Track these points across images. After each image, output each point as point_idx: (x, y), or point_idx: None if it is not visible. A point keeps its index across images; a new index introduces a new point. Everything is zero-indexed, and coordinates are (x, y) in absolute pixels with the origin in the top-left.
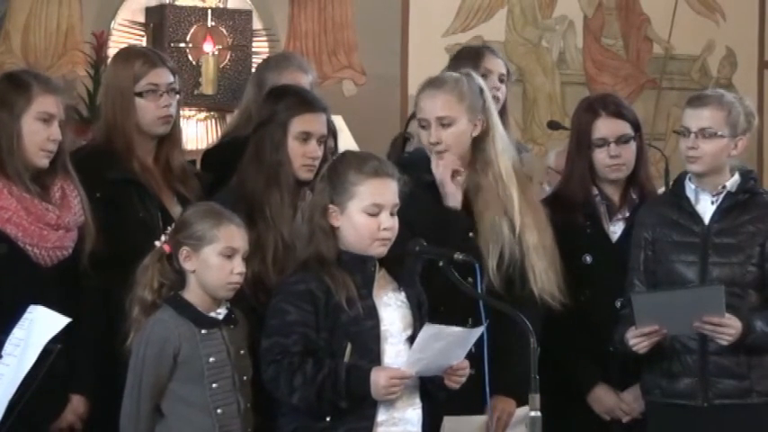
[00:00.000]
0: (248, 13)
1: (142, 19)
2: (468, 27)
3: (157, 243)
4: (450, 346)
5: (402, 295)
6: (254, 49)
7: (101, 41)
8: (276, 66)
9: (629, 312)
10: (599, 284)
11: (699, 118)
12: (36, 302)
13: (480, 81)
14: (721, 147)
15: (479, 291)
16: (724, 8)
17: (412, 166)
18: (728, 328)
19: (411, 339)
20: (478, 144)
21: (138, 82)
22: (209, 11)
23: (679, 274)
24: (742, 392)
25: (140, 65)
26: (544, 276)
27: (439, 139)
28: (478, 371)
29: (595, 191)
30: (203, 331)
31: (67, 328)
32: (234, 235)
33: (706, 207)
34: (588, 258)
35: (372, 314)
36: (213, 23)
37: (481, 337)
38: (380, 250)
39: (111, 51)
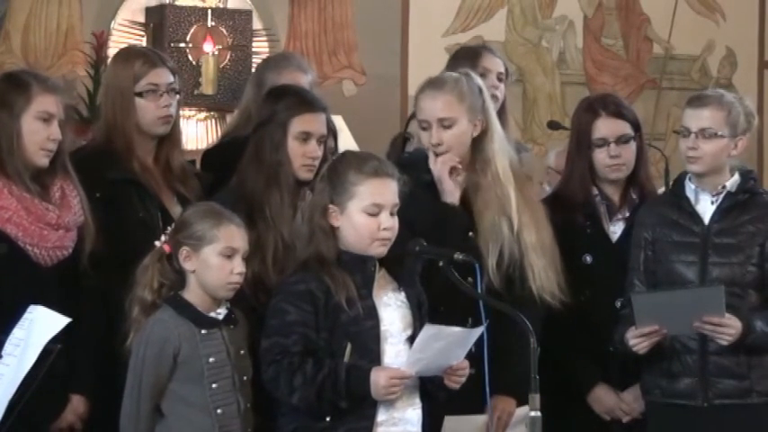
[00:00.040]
0: (248, 13)
1: (142, 19)
2: (468, 27)
3: (157, 243)
4: (450, 346)
5: (402, 295)
6: (254, 49)
7: (101, 41)
8: (276, 66)
9: (629, 312)
10: (599, 284)
11: (699, 118)
12: (36, 302)
13: (479, 81)
14: (721, 147)
15: (479, 291)
16: (724, 8)
17: (412, 165)
18: (728, 328)
19: (411, 339)
20: (477, 144)
21: (138, 82)
22: (209, 11)
23: (679, 274)
24: (742, 392)
25: (140, 65)
26: (543, 275)
27: (440, 141)
28: (478, 370)
29: (595, 191)
30: (203, 331)
31: (67, 328)
32: (234, 235)
33: (706, 207)
34: (588, 258)
35: (372, 314)
36: (213, 23)
37: (481, 337)
38: (380, 250)
39: (111, 51)
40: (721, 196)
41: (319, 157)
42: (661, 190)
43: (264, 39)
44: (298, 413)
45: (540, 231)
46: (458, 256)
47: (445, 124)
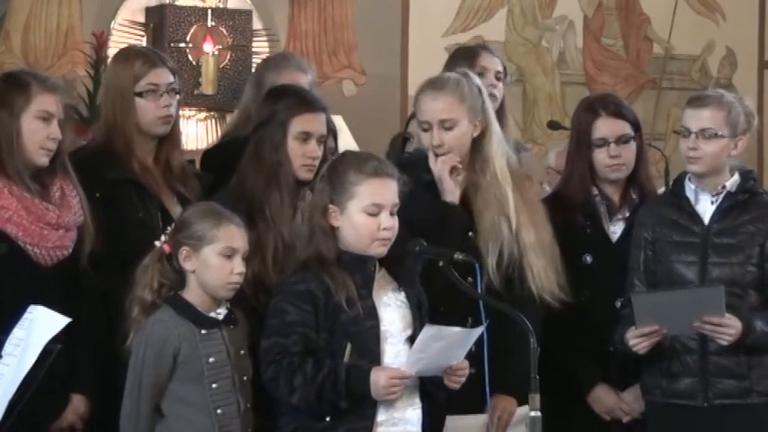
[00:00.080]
0: (248, 13)
1: (142, 19)
2: (468, 27)
3: (157, 243)
4: (450, 346)
5: (402, 295)
6: (254, 49)
7: (101, 41)
8: (275, 66)
9: (629, 312)
10: (599, 284)
11: (699, 118)
12: (36, 302)
13: (478, 81)
14: (721, 147)
15: (479, 291)
16: (724, 8)
17: (412, 165)
18: (728, 328)
19: (411, 339)
20: (476, 144)
21: (138, 82)
22: (209, 11)
23: (679, 274)
24: (742, 392)
25: (140, 65)
26: (543, 275)
27: (441, 142)
28: (479, 370)
29: (595, 191)
30: (203, 331)
31: (67, 328)
32: (234, 235)
33: (706, 207)
34: (588, 258)
35: (372, 314)
36: (213, 23)
37: (481, 337)
38: (380, 250)
39: (111, 51)
40: (721, 196)
41: (319, 157)
42: (661, 190)
43: (264, 39)
44: (298, 413)
45: (538, 231)
46: (458, 256)
47: (446, 126)
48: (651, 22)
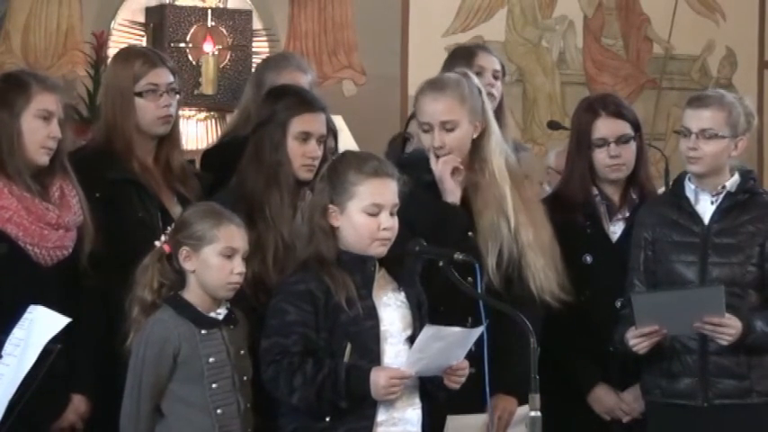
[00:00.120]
0: (248, 13)
1: (142, 19)
2: (468, 27)
3: (157, 243)
4: (450, 346)
5: (402, 295)
6: (254, 49)
7: (101, 41)
8: (275, 66)
9: (629, 312)
10: (599, 284)
11: (699, 119)
12: (36, 302)
13: (477, 81)
14: (722, 147)
15: (479, 290)
16: (724, 8)
17: (411, 166)
18: (728, 328)
19: (411, 339)
20: (476, 144)
21: (138, 82)
22: (209, 11)
23: (679, 274)
24: (742, 392)
25: (140, 65)
26: (542, 275)
27: (443, 144)
28: (479, 370)
29: (595, 191)
30: (203, 331)
31: (67, 328)
32: (234, 235)
33: (706, 207)
34: (588, 258)
35: (372, 314)
36: (213, 23)
37: (481, 337)
38: (380, 250)
39: (111, 51)
40: (721, 196)
41: (319, 157)
42: (661, 190)
43: (264, 39)
44: (298, 413)
45: (537, 230)
46: (458, 255)
47: (447, 127)
48: (651, 22)
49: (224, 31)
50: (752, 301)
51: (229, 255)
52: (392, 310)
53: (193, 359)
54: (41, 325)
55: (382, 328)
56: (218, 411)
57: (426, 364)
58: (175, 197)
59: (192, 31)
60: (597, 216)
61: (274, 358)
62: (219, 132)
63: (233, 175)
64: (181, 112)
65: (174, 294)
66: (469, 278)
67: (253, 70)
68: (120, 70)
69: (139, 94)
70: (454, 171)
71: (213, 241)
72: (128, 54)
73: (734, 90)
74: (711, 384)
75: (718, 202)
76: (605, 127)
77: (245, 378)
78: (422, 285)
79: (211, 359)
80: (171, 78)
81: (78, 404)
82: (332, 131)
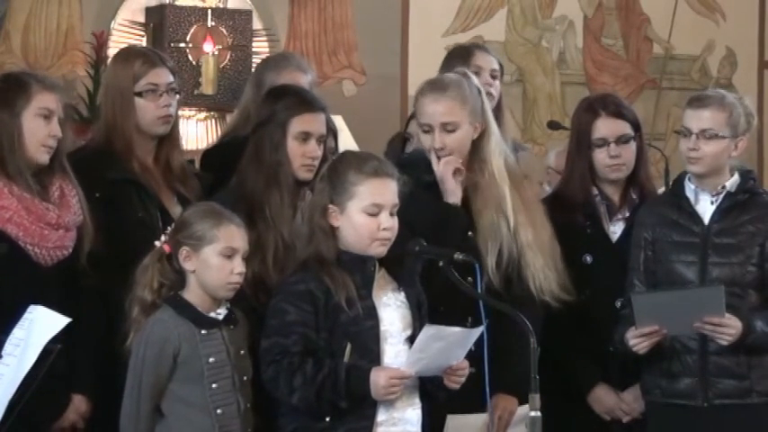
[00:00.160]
0: (248, 13)
1: (142, 19)
2: (468, 27)
3: (157, 243)
4: (450, 346)
5: (402, 295)
6: (254, 49)
7: (101, 41)
8: (275, 66)
9: (629, 312)
10: (599, 284)
11: (700, 119)
12: (36, 302)
13: (477, 81)
14: (722, 148)
15: (479, 290)
16: (724, 8)
17: (411, 166)
18: (729, 328)
19: (411, 339)
20: (475, 144)
21: (138, 82)
22: (209, 11)
23: (679, 274)
24: (742, 392)
25: (140, 65)
26: (541, 275)
27: (443, 145)
28: (479, 370)
29: (595, 191)
30: (203, 331)
31: (67, 328)
32: (234, 235)
33: (706, 207)
34: (588, 258)
35: (372, 314)
36: (213, 23)
37: (481, 337)
38: (380, 250)
39: (111, 51)
40: (721, 196)
41: (319, 157)
42: (661, 190)
43: (264, 39)
44: (298, 413)
45: (537, 230)
46: (458, 255)
47: (448, 128)
48: (651, 22)
49: (224, 31)
50: (752, 301)
51: (229, 255)
52: (392, 310)
53: (193, 359)
54: (41, 325)
55: (382, 328)
56: (218, 411)
57: (426, 364)
58: (175, 197)
59: (192, 31)
60: (597, 216)
61: (274, 358)
62: (219, 132)
63: (233, 175)
64: (181, 112)
65: (174, 294)
66: (469, 278)
67: (253, 70)
68: (120, 70)
69: (139, 94)
70: (455, 172)
71: (213, 241)
72: (128, 54)
73: (734, 90)
74: (711, 384)
75: (718, 202)
76: (605, 127)
77: (245, 378)
78: (422, 285)
79: (211, 359)
80: (171, 78)
81: (79, 404)
82: (332, 131)
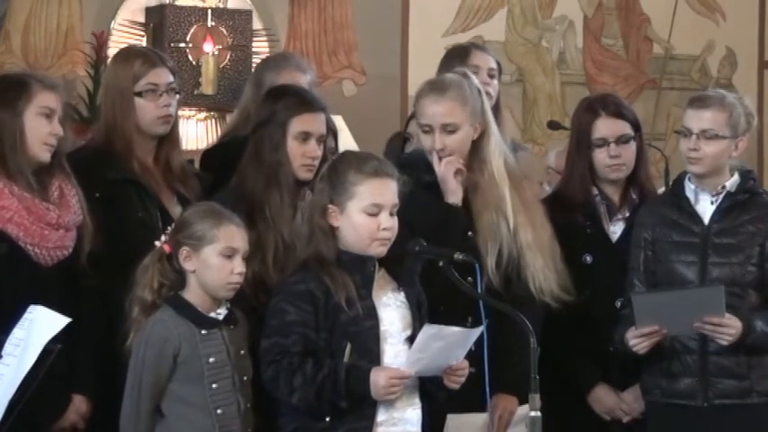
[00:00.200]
0: (248, 13)
1: (142, 19)
2: (468, 27)
3: (157, 243)
4: (450, 346)
5: (401, 295)
6: (254, 49)
7: (101, 41)
8: (275, 66)
9: (629, 312)
10: (599, 284)
11: (700, 119)
12: (36, 302)
13: (477, 82)
14: (723, 148)
15: (479, 290)
16: (724, 8)
17: (411, 166)
18: (729, 328)
19: (410, 339)
20: (475, 145)
21: (138, 82)
22: (209, 11)
23: (679, 274)
24: (742, 392)
25: (140, 65)
26: (541, 275)
27: (444, 146)
28: (479, 370)
29: (595, 191)
30: (203, 331)
31: (67, 328)
32: (234, 235)
33: (706, 207)
34: (588, 258)
35: (372, 314)
36: (213, 23)
37: (481, 336)
38: (380, 250)
39: (111, 51)
40: (721, 196)
41: (319, 157)
42: (661, 190)
43: (264, 39)
44: (298, 413)
45: (536, 231)
46: (458, 255)
47: (448, 129)
48: (651, 22)
49: (224, 31)
50: (752, 301)
51: (229, 255)
52: (392, 310)
53: (193, 359)
54: (41, 325)
55: (382, 328)
56: (219, 411)
57: (426, 363)
58: (175, 197)
59: (192, 31)
60: (597, 216)
61: (274, 358)
62: (219, 132)
63: (233, 175)
64: (181, 112)
65: (174, 294)
66: (469, 278)
67: (253, 70)
68: (120, 70)
69: (139, 94)
70: (457, 172)
71: (213, 241)
72: (127, 54)
73: (734, 90)
74: (711, 384)
75: (718, 202)
76: (605, 127)
77: (245, 378)
78: (422, 285)
79: (211, 359)
80: (171, 78)
81: (79, 404)
82: (332, 131)
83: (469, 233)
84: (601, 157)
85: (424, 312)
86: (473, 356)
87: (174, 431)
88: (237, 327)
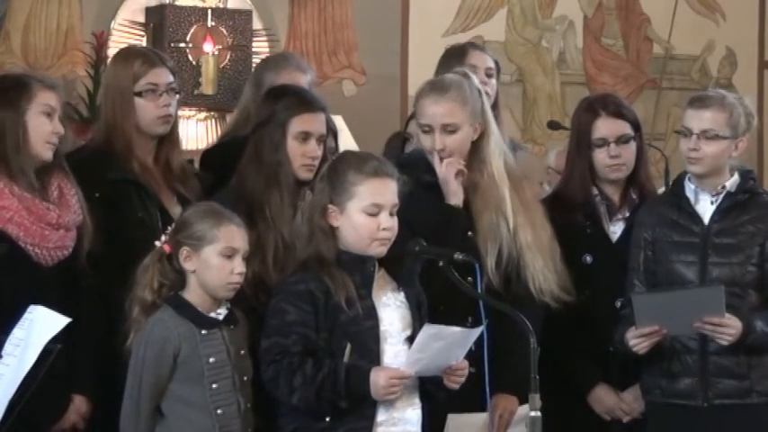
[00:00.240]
0: (248, 13)
1: (142, 19)
2: (468, 27)
3: (157, 243)
4: (450, 346)
5: (401, 295)
6: (254, 49)
7: (101, 41)
8: (275, 66)
9: (629, 312)
10: (599, 284)
11: (701, 119)
12: (36, 302)
13: (477, 82)
14: (723, 148)
15: (479, 290)
16: (724, 8)
17: (411, 166)
18: (729, 328)
19: (410, 339)
20: (475, 145)
21: (138, 82)
22: (209, 11)
23: (679, 274)
24: (742, 392)
25: (140, 65)
26: (541, 276)
27: (444, 146)
28: (479, 370)
29: (595, 191)
30: (203, 331)
31: (67, 328)
32: (234, 235)
33: (705, 207)
34: (588, 258)
35: (372, 314)
36: (213, 23)
37: (481, 336)
38: (380, 250)
39: (111, 51)
40: (721, 196)
41: (319, 157)
42: (661, 190)
43: (264, 39)
44: (298, 413)
45: (536, 231)
46: (458, 255)
47: (449, 130)
48: (651, 22)
49: (224, 31)
50: (752, 301)
51: (230, 255)
52: (392, 310)
53: (193, 359)
54: (41, 325)
55: (382, 328)
56: (219, 411)
57: (426, 363)
58: (175, 197)
59: (192, 31)
60: (597, 216)
61: (274, 358)
62: (219, 132)
63: (233, 175)
64: (181, 112)
65: (174, 294)
66: (469, 278)
67: (252, 70)
68: (120, 70)
69: (139, 94)
70: (458, 173)
71: (213, 241)
72: (127, 54)
73: (734, 90)
74: (711, 384)
75: (718, 202)
76: (605, 127)
77: (245, 378)
78: (422, 285)
79: (211, 359)
80: (170, 78)
81: (79, 404)
82: (332, 131)
83: (469, 233)
84: (601, 157)
85: (423, 312)
86: (473, 356)
87: (174, 431)
88: (237, 327)
